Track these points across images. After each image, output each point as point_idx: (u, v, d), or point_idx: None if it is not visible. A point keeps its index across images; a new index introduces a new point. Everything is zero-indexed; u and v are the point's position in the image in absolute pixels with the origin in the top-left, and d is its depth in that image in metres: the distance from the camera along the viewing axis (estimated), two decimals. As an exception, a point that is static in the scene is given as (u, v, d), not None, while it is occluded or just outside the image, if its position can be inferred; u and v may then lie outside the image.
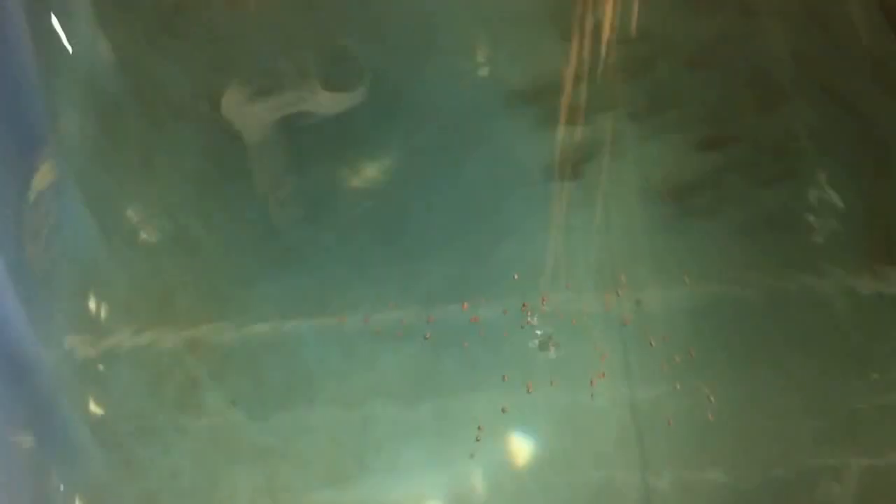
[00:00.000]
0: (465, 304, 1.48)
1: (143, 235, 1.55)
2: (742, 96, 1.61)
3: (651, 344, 1.46)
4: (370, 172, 1.57)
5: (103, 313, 1.50)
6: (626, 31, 1.65)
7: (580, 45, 1.64)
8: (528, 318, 1.48)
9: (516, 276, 1.50)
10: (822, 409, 1.43)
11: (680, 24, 1.66)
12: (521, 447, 1.42)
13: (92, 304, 1.50)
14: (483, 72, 1.63)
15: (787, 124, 1.59)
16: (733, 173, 1.56)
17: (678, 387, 1.44)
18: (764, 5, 1.68)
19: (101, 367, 1.47)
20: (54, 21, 1.63)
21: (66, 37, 1.63)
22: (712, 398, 1.43)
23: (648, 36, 1.65)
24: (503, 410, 1.43)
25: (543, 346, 1.46)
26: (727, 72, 1.63)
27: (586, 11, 1.67)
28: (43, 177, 1.54)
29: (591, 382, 1.44)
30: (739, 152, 1.57)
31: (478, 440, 1.41)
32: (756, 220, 1.53)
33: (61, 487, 1.42)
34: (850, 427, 1.42)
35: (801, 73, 1.62)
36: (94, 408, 1.44)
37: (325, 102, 1.61)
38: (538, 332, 1.47)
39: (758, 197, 1.54)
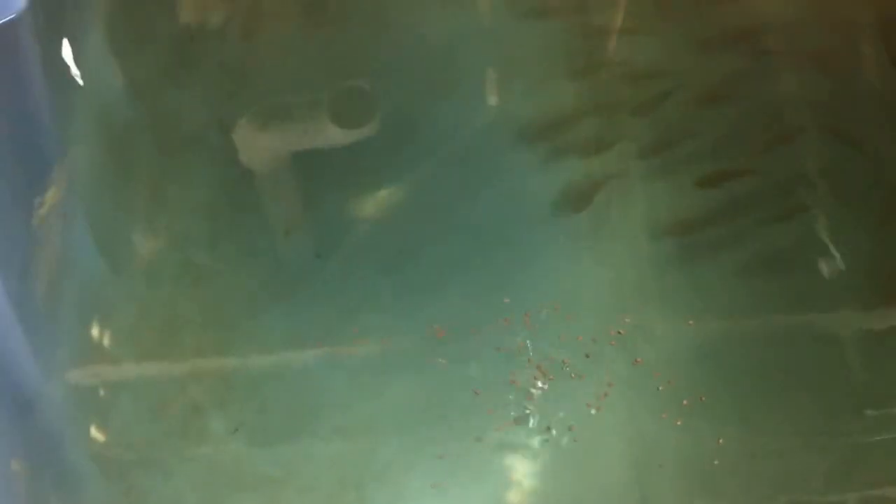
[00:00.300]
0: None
1: (150, 265, 1.55)
2: (751, 134, 1.62)
3: (654, 379, 1.46)
4: (379, 204, 1.58)
5: (107, 342, 1.50)
6: (635, 69, 1.67)
7: (590, 82, 1.66)
8: (532, 351, 1.48)
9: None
10: (826, 445, 1.42)
11: (690, 62, 1.68)
12: (523, 479, 1.42)
13: (96, 333, 1.50)
14: (494, 107, 1.65)
15: (796, 163, 1.60)
16: (741, 210, 1.56)
17: (681, 422, 1.43)
18: (775, 45, 1.70)
19: (103, 395, 1.46)
20: (66, 50, 1.65)
21: (78, 66, 1.65)
22: (721, 440, 1.43)
23: (658, 73, 1.67)
24: (507, 442, 1.43)
25: (546, 378, 1.46)
26: (736, 109, 1.64)
27: (596, 49, 1.69)
28: (50, 206, 1.55)
29: (592, 411, 1.44)
30: (747, 190, 1.58)
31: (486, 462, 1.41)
32: (763, 258, 1.53)
33: (59, 516, 1.41)
34: (852, 463, 1.42)
35: (811, 112, 1.64)
36: (95, 435, 1.44)
37: (336, 136, 1.63)
38: (541, 365, 1.47)
39: (765, 234, 1.55)
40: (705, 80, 1.67)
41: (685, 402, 1.44)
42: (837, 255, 1.53)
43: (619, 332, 1.49)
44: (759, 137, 1.62)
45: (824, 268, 1.53)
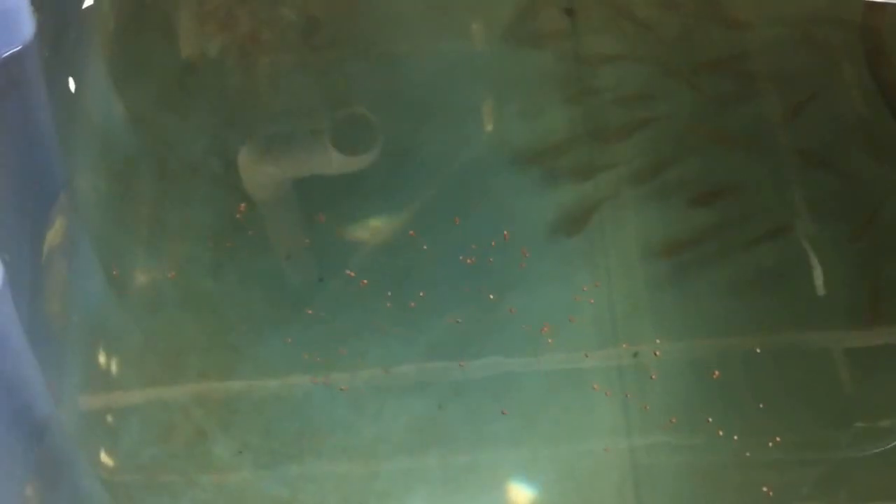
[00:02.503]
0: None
1: (155, 291, 1.58)
2: (737, 156, 1.67)
3: (649, 395, 1.49)
4: (379, 228, 1.61)
5: (114, 368, 1.52)
6: (626, 93, 1.72)
7: (582, 108, 1.70)
8: (529, 370, 1.52)
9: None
10: (817, 458, 1.46)
11: (678, 86, 1.72)
12: (523, 496, 1.45)
13: (103, 359, 1.52)
14: (489, 133, 1.68)
15: (780, 184, 1.64)
16: (727, 231, 1.60)
17: (675, 437, 1.46)
18: (760, 68, 1.74)
19: (111, 420, 1.49)
20: (70, 81, 1.68)
21: (82, 96, 1.68)
22: (714, 454, 1.46)
23: (648, 97, 1.71)
24: (505, 458, 1.46)
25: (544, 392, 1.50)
26: (724, 132, 1.68)
27: (588, 75, 1.73)
28: (56, 234, 1.57)
29: (592, 431, 1.47)
30: (735, 210, 1.62)
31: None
32: (751, 277, 1.57)
33: (69, 540, 1.43)
34: (843, 475, 1.45)
35: (795, 135, 1.68)
36: (104, 460, 1.46)
37: (337, 162, 1.66)
38: (539, 384, 1.51)
39: (753, 254, 1.59)
40: (693, 103, 1.71)
41: (677, 418, 1.47)
42: (822, 273, 1.57)
43: (617, 347, 1.52)
44: (746, 160, 1.67)
45: (810, 286, 1.57)
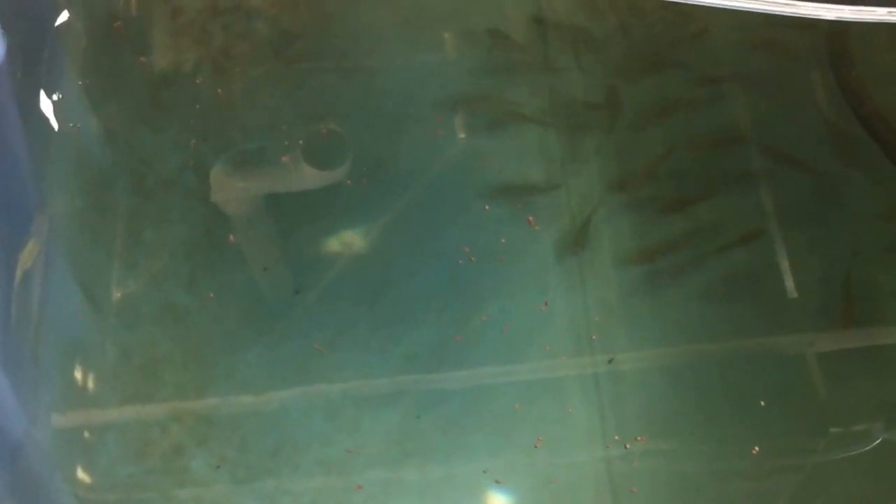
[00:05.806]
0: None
1: (130, 306, 1.58)
2: (707, 162, 1.68)
3: (624, 403, 1.49)
4: (353, 241, 1.61)
5: (90, 384, 1.52)
6: (596, 100, 1.73)
7: (553, 118, 1.71)
8: (507, 380, 1.52)
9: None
10: (794, 464, 1.47)
11: (647, 93, 1.73)
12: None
13: (79, 376, 1.52)
14: (460, 144, 1.69)
15: (750, 189, 1.66)
16: (700, 237, 1.61)
17: (652, 445, 1.47)
18: (725, 72, 1.76)
19: (87, 437, 1.49)
20: (43, 99, 1.68)
21: (55, 114, 1.68)
22: (690, 461, 1.46)
23: (616, 105, 1.72)
24: (484, 471, 1.46)
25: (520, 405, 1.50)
26: (692, 139, 1.69)
27: (559, 85, 1.75)
28: (31, 253, 1.57)
29: (569, 440, 1.48)
30: (705, 217, 1.63)
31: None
32: (724, 282, 1.58)
33: (48, 558, 1.43)
34: (820, 481, 1.46)
35: (763, 138, 1.70)
36: (81, 477, 1.46)
37: (309, 176, 1.66)
38: (515, 393, 1.51)
39: (725, 259, 1.60)
40: (661, 110, 1.73)
41: (652, 426, 1.48)
42: (795, 277, 1.58)
43: (589, 359, 1.53)
44: (715, 165, 1.68)
45: (783, 290, 1.57)
